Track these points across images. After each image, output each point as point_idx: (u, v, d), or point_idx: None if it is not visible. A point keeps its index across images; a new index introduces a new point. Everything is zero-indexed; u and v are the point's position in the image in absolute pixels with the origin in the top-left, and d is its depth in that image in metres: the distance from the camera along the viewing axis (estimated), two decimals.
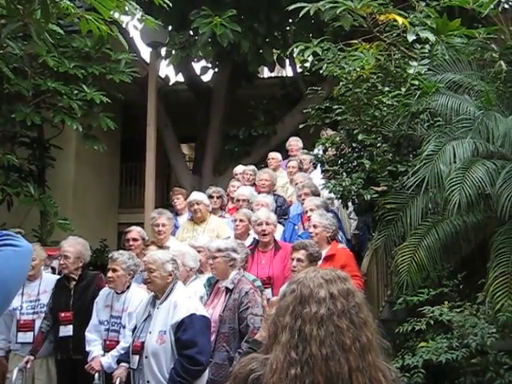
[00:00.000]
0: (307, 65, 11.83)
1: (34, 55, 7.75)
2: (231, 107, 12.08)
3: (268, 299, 4.34)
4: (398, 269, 5.07)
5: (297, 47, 6.41)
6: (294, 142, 8.70)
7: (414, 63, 5.82)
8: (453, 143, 5.04)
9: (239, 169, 8.41)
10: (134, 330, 4.32)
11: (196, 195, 6.63)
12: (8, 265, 1.58)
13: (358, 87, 5.80)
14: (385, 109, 5.66)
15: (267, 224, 5.47)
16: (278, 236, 5.93)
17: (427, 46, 6.06)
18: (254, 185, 7.78)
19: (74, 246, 5.20)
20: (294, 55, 6.69)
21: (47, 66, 7.76)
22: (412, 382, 4.34)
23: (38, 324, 5.18)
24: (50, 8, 4.47)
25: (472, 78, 5.79)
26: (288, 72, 14.58)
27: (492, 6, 5.84)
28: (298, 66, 12.38)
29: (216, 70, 12.39)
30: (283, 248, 5.28)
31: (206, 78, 13.05)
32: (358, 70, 5.78)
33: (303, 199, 6.38)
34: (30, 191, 8.37)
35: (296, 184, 7.31)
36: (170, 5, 6.02)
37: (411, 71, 5.67)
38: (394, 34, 6.43)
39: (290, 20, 10.88)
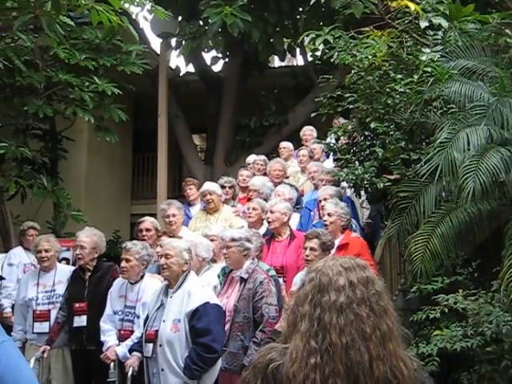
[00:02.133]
0: (318, 53, 11.83)
1: (45, 47, 7.76)
2: (242, 97, 12.05)
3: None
4: (412, 257, 5.04)
5: (308, 35, 6.36)
6: (309, 132, 8.66)
7: (427, 50, 5.76)
8: (467, 130, 4.99)
9: (250, 159, 8.41)
10: (145, 319, 4.35)
11: (208, 185, 6.64)
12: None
13: (370, 75, 5.75)
14: (397, 96, 5.62)
15: (271, 212, 5.50)
16: (293, 225, 5.94)
17: (440, 33, 5.98)
18: (264, 174, 7.77)
19: (91, 237, 5.23)
20: (305, 43, 6.63)
21: (58, 58, 7.76)
22: (426, 370, 4.33)
23: (53, 314, 5.22)
24: (61, 0, 4.47)
25: (486, 64, 5.71)
26: (299, 61, 14.50)
27: None
28: (309, 54, 12.31)
29: (227, 59, 12.35)
30: (298, 237, 5.28)
31: (217, 68, 13.04)
32: (370, 57, 5.73)
33: (324, 184, 6.36)
34: (43, 183, 8.41)
35: (309, 173, 7.29)
36: None
37: (424, 58, 5.61)
38: (406, 21, 6.36)
39: (301, 9, 10.80)
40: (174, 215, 6.03)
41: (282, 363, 1.48)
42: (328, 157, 7.76)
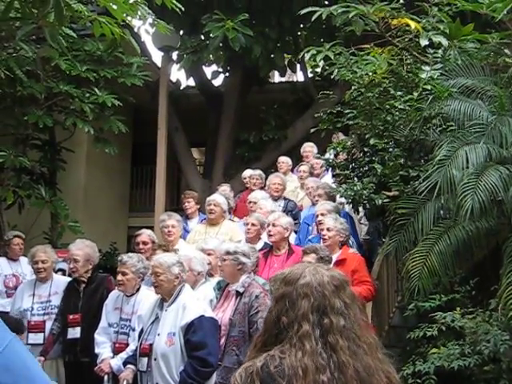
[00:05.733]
0: (318, 70, 11.90)
1: (47, 58, 7.79)
2: (242, 112, 12.08)
3: None
4: (410, 274, 5.03)
5: (308, 51, 6.39)
6: (309, 148, 8.69)
7: (427, 68, 5.79)
8: (465, 148, 5.00)
9: (246, 173, 8.45)
10: (140, 333, 4.32)
11: (216, 196, 6.71)
12: None
13: (370, 91, 5.78)
14: (397, 113, 5.64)
15: (273, 225, 5.50)
16: (292, 239, 5.94)
17: (440, 51, 6.02)
18: (261, 188, 7.79)
19: (83, 249, 5.21)
20: (306, 59, 6.68)
21: (59, 69, 7.79)
22: None
23: (48, 325, 5.19)
24: (64, 11, 4.49)
25: (485, 82, 5.74)
26: (299, 77, 14.58)
27: (505, 12, 5.79)
28: (309, 70, 12.38)
29: (227, 74, 12.40)
30: (296, 252, 5.28)
31: (217, 82, 13.09)
32: (370, 74, 5.76)
33: (317, 200, 6.39)
34: (41, 194, 8.39)
35: (307, 188, 7.32)
36: (183, 9, 6.04)
37: (424, 76, 5.64)
38: (406, 39, 6.41)
39: (301, 25, 10.88)
40: (173, 226, 6.05)
41: (281, 369, 1.46)
42: (328, 171, 7.78)
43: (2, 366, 1.45)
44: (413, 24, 5.72)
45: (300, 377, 1.43)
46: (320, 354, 1.46)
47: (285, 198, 7.53)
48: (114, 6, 4.61)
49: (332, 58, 6.15)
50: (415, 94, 5.57)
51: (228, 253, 4.51)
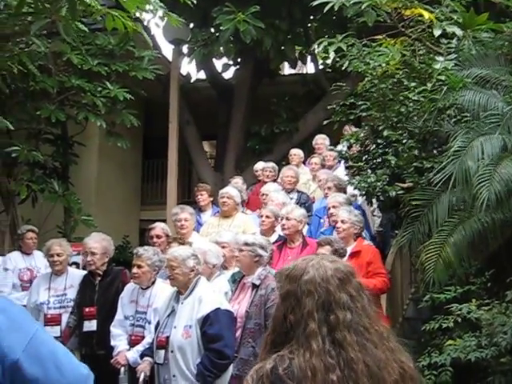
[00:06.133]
0: (329, 61, 11.85)
1: (58, 53, 7.81)
2: (253, 104, 12.06)
3: None
4: (424, 266, 5.01)
5: (321, 43, 6.36)
6: (321, 141, 8.66)
7: (441, 58, 5.74)
8: (480, 139, 4.96)
9: (259, 165, 8.43)
10: (156, 325, 4.35)
11: (229, 189, 6.72)
12: None
13: (384, 83, 5.74)
14: (411, 105, 5.60)
15: (287, 219, 5.50)
16: (304, 232, 5.93)
17: (454, 41, 5.96)
18: (274, 181, 7.78)
19: (100, 242, 5.23)
20: (318, 51, 6.64)
21: (71, 64, 7.81)
22: (439, 380, 4.29)
23: (64, 318, 5.22)
24: (77, 5, 4.49)
25: (500, 72, 5.67)
26: (309, 69, 14.52)
27: None
28: (320, 62, 12.33)
29: (238, 67, 12.37)
30: (310, 245, 5.27)
31: (228, 75, 13.07)
32: (384, 65, 5.72)
33: (326, 193, 6.38)
34: (54, 188, 8.44)
35: (319, 181, 7.31)
36: (195, 2, 6.03)
37: (438, 66, 5.59)
38: (419, 30, 6.35)
39: (312, 17, 10.83)
40: (186, 219, 6.05)
41: (291, 370, 1.45)
42: (340, 163, 7.76)
43: (31, 356, 1.46)
44: (426, 14, 5.66)
45: (309, 378, 1.41)
46: (328, 353, 1.44)
47: (298, 191, 7.52)
48: None
49: (345, 49, 6.11)
50: (429, 84, 5.53)
51: (246, 244, 4.53)
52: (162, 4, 5.94)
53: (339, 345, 1.45)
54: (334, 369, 1.43)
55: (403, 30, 6.35)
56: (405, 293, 6.95)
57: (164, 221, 7.69)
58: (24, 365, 1.45)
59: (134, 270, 4.83)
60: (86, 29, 6.86)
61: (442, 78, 5.50)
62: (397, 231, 6.50)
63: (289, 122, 11.84)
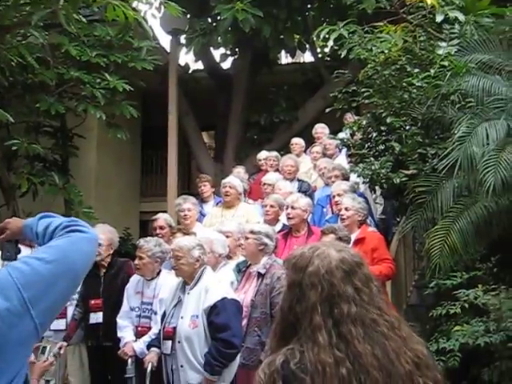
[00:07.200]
0: (327, 50, 11.78)
1: (56, 44, 7.75)
2: (252, 94, 12.00)
3: None
4: (430, 252, 5.00)
5: (322, 30, 6.31)
6: (321, 130, 8.64)
7: (444, 44, 5.70)
8: (485, 124, 4.92)
9: (262, 155, 8.39)
10: (163, 316, 4.34)
11: (231, 179, 6.69)
12: (77, 250, 1.63)
13: (386, 69, 5.70)
14: (414, 91, 5.57)
15: (292, 208, 5.49)
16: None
17: (456, 26, 5.92)
18: (277, 170, 7.76)
19: (106, 234, 5.22)
20: (319, 38, 6.57)
21: (69, 55, 7.75)
22: (448, 365, 4.30)
23: (70, 311, 5.20)
24: None
25: (503, 57, 5.63)
26: (306, 57, 14.45)
27: None
28: (319, 50, 12.26)
29: (236, 56, 12.30)
30: (315, 234, 5.26)
31: (226, 65, 12.99)
32: (386, 51, 5.68)
33: (333, 181, 6.35)
34: (54, 180, 8.40)
35: (320, 169, 7.28)
36: None
37: (440, 52, 5.55)
38: (420, 16, 6.31)
39: (309, 5, 10.75)
40: (189, 209, 6.06)
41: (303, 364, 1.43)
42: (341, 152, 7.73)
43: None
44: (429, 0, 5.62)
45: (320, 372, 1.40)
46: (336, 346, 1.43)
47: (298, 180, 7.51)
48: None
49: (346, 36, 6.07)
50: (432, 70, 5.49)
51: (252, 232, 4.52)
52: None
53: (346, 338, 1.44)
54: (343, 362, 1.41)
55: (404, 16, 6.31)
56: (408, 280, 6.97)
57: (164, 212, 7.67)
58: None
59: (136, 261, 4.87)
60: (84, 20, 6.81)
61: (445, 63, 5.46)
62: (399, 218, 6.50)
63: (288, 111, 11.79)
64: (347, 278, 1.50)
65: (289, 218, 5.48)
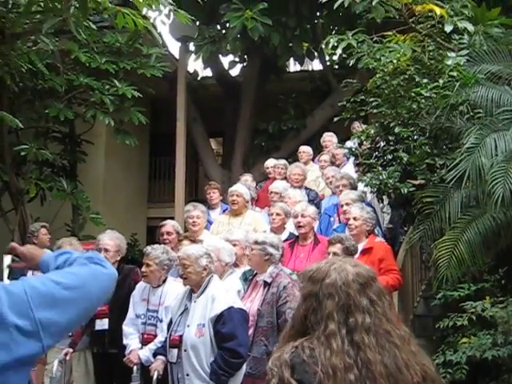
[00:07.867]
0: (335, 58, 11.80)
1: (66, 51, 7.81)
2: (260, 101, 12.01)
3: None
4: (437, 263, 4.97)
5: (331, 39, 6.32)
6: (329, 138, 8.64)
7: (453, 54, 5.69)
8: (494, 135, 4.91)
9: (270, 162, 8.39)
10: (169, 324, 4.33)
11: (239, 187, 6.69)
12: (96, 282, 1.64)
13: (395, 79, 5.70)
14: (422, 101, 5.56)
15: (302, 216, 5.48)
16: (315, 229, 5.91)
17: (465, 37, 5.91)
18: (284, 178, 7.75)
19: (114, 240, 5.22)
20: (328, 47, 6.57)
21: (79, 62, 7.81)
22: (454, 377, 4.27)
23: None
24: (88, 3, 4.47)
25: None
26: (315, 66, 14.46)
27: None
28: (327, 59, 12.28)
29: (245, 64, 12.34)
30: (322, 242, 5.25)
31: (235, 72, 13.03)
32: (395, 61, 5.68)
33: (341, 190, 6.34)
34: (62, 186, 8.45)
35: (327, 178, 7.27)
36: None
37: (449, 62, 5.54)
38: (429, 25, 6.30)
39: (319, 13, 10.77)
40: (198, 217, 6.06)
41: (314, 358, 1.48)
42: (348, 160, 7.72)
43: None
44: (438, 10, 5.62)
45: (331, 376, 1.45)
46: (347, 353, 1.48)
47: (306, 188, 7.50)
48: None
49: (355, 45, 6.07)
50: (441, 81, 5.48)
51: (256, 242, 4.50)
52: (170, 0, 5.93)
53: (357, 346, 1.49)
54: (352, 368, 1.46)
55: (413, 25, 6.31)
56: (415, 290, 6.93)
57: (171, 218, 7.69)
58: None
59: (143, 268, 4.85)
60: (94, 27, 6.86)
61: (454, 73, 5.46)
62: (406, 228, 6.47)
63: (296, 118, 11.79)
64: (363, 290, 1.57)
65: (299, 227, 5.46)
